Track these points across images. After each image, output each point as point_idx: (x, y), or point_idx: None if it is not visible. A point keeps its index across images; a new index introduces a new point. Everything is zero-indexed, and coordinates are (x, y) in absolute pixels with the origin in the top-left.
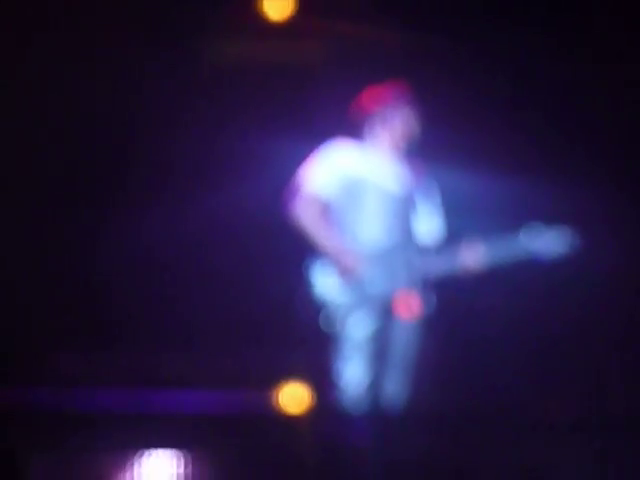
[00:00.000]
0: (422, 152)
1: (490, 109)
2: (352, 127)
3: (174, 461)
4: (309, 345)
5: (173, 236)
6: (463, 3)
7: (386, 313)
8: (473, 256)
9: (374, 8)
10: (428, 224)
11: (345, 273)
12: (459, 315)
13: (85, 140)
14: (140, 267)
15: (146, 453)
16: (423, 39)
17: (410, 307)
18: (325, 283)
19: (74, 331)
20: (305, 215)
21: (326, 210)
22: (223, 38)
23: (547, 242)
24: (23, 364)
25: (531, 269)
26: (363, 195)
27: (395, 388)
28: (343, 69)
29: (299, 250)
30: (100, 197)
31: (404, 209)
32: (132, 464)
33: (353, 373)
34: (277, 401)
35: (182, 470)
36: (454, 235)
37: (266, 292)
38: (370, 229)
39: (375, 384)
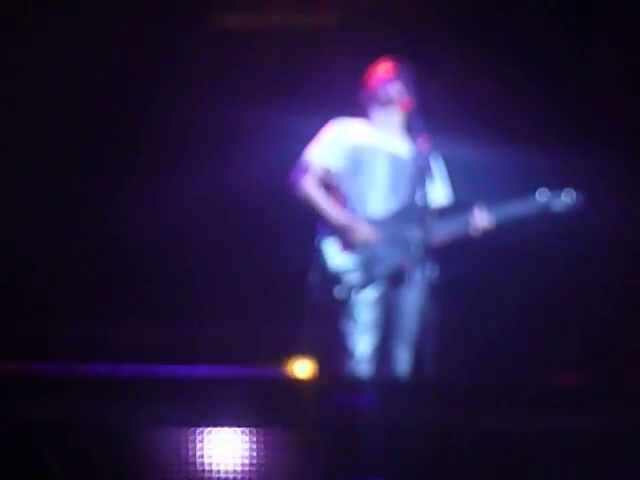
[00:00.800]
0: (427, 123)
1: (492, 80)
2: (359, 102)
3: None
4: (318, 315)
5: (181, 210)
6: None
7: (394, 281)
8: (479, 218)
9: None
10: (435, 190)
11: (351, 242)
12: (464, 285)
13: (95, 114)
14: (148, 241)
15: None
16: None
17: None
18: (333, 253)
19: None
20: (307, 186)
21: (330, 180)
22: (230, 6)
23: (552, 203)
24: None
25: (532, 234)
26: (368, 163)
27: (402, 356)
28: (353, 39)
29: (307, 223)
30: (107, 169)
31: (410, 176)
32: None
33: (361, 341)
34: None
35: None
36: (460, 202)
37: (275, 265)
38: (377, 196)
39: (382, 351)
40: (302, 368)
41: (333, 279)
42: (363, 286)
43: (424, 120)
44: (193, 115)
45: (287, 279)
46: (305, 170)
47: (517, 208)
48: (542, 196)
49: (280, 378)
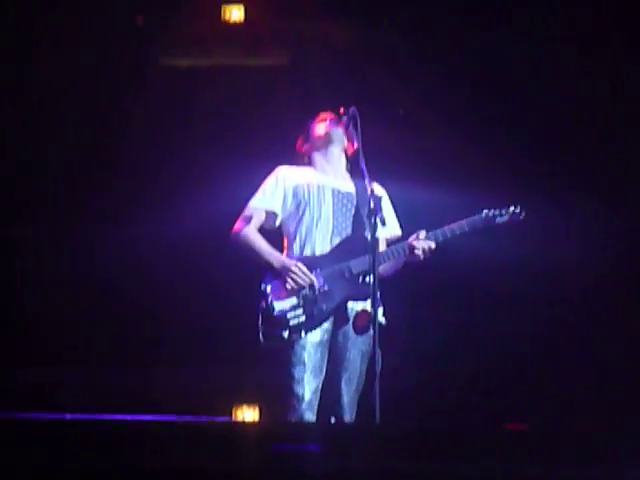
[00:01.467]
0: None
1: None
2: (305, 144)
3: None
4: (264, 360)
5: (126, 255)
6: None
7: (340, 321)
8: (418, 241)
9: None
10: (384, 225)
11: (292, 284)
12: (413, 328)
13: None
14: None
15: None
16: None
17: (362, 318)
18: (276, 297)
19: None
20: (247, 232)
21: (275, 224)
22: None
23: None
24: None
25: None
26: (312, 202)
27: (348, 401)
28: (303, 80)
29: (253, 269)
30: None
31: (355, 212)
32: None
33: (306, 385)
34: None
35: None
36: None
37: (221, 311)
38: (323, 234)
39: (328, 396)
40: (246, 414)
41: (277, 322)
42: (308, 326)
43: (367, 160)
44: (145, 156)
45: (233, 325)
46: (248, 217)
47: (461, 226)
48: (486, 213)
49: (223, 424)
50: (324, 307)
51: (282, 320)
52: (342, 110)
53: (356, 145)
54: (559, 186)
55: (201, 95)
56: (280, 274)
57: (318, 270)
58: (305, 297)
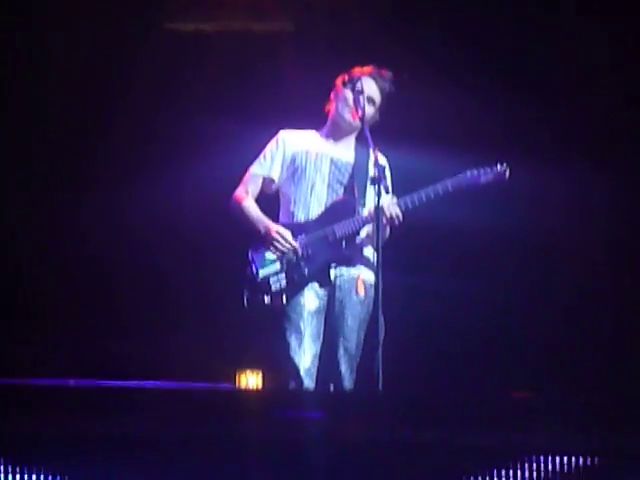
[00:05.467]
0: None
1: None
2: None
3: None
4: (258, 329)
5: (126, 219)
6: None
7: (334, 290)
8: (387, 208)
9: None
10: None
11: (277, 249)
12: (413, 295)
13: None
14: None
15: None
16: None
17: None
18: (261, 262)
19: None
20: (240, 198)
21: (272, 189)
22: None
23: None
24: None
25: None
26: (309, 169)
27: (346, 369)
28: (308, 44)
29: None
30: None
31: (352, 180)
32: None
33: (305, 353)
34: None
35: None
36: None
37: (216, 278)
38: (317, 200)
39: (327, 364)
40: (247, 381)
41: (259, 288)
42: (290, 291)
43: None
44: (146, 122)
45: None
46: (246, 183)
47: (444, 186)
48: (470, 172)
49: (225, 392)
50: (306, 271)
51: (264, 286)
52: (346, 77)
53: (360, 113)
54: (551, 151)
55: (206, 60)
56: (265, 240)
57: (303, 235)
58: (288, 262)
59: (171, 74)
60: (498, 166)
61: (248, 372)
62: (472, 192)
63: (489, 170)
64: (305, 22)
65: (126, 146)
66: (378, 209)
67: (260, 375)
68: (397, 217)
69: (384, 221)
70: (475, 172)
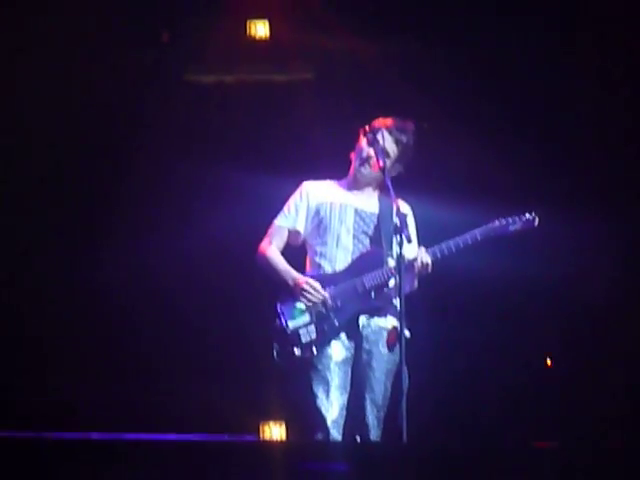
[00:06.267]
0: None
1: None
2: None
3: None
4: (285, 380)
5: (151, 271)
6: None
7: (361, 340)
8: (420, 255)
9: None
10: (405, 245)
11: (307, 301)
12: (439, 346)
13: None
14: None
15: None
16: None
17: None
18: (291, 314)
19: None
20: (268, 250)
21: (299, 241)
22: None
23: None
24: None
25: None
26: (334, 220)
27: (373, 420)
28: (329, 93)
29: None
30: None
31: (377, 231)
32: None
33: (332, 403)
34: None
35: None
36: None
37: (244, 330)
38: (343, 251)
39: (353, 415)
40: (271, 433)
41: (289, 340)
42: (320, 342)
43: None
44: (168, 173)
45: (256, 343)
46: (272, 235)
47: (472, 236)
48: (499, 221)
49: (251, 443)
50: (336, 322)
51: (295, 338)
52: (367, 127)
53: (381, 163)
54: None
55: (226, 111)
56: (294, 292)
57: (332, 287)
58: (318, 314)
59: (193, 124)
60: (527, 215)
61: (272, 423)
62: (501, 240)
63: (517, 219)
64: (325, 71)
65: (152, 195)
66: (399, 258)
67: (284, 426)
68: (427, 267)
69: (415, 270)
70: (504, 221)
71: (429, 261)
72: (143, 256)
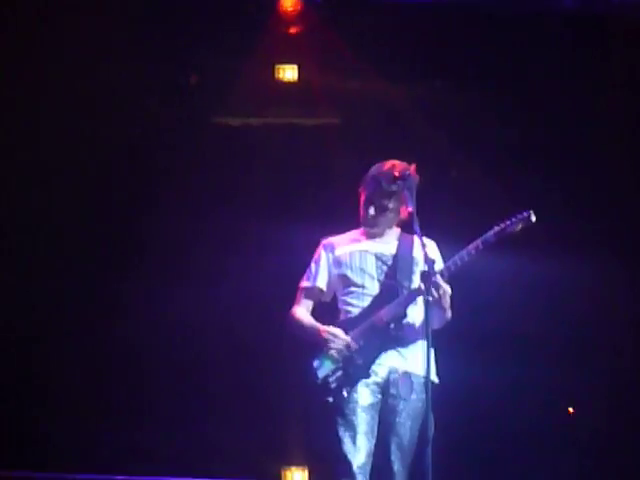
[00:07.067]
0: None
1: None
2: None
3: None
4: (310, 426)
5: (176, 322)
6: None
7: (384, 384)
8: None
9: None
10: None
11: (334, 352)
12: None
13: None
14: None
15: None
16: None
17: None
18: (319, 365)
19: None
20: (295, 313)
21: (326, 297)
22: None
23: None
24: None
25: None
26: (356, 272)
27: (399, 468)
28: (356, 138)
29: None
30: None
31: (400, 275)
32: None
33: (357, 450)
34: None
35: None
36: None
37: (266, 378)
38: (368, 300)
39: (379, 462)
40: (293, 479)
41: (321, 390)
42: (348, 384)
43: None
44: (194, 221)
45: (283, 390)
46: (299, 298)
47: (475, 246)
48: (497, 224)
49: None
50: (360, 362)
51: (326, 387)
52: (397, 174)
53: (410, 209)
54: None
55: (254, 154)
56: (319, 343)
57: (355, 329)
58: (344, 358)
59: (220, 167)
60: (524, 212)
61: (294, 469)
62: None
63: (514, 219)
64: (353, 116)
65: (179, 241)
66: (427, 307)
67: (307, 472)
68: (437, 287)
69: (434, 297)
70: (502, 224)
71: (449, 290)
72: (172, 303)
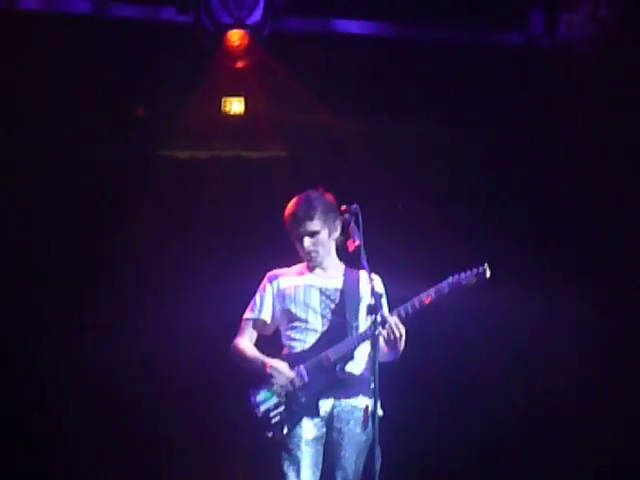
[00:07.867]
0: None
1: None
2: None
3: None
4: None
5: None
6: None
7: (328, 418)
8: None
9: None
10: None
11: (275, 384)
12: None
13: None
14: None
15: None
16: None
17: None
18: (267, 399)
19: None
20: (238, 344)
21: (269, 330)
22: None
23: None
24: None
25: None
26: (300, 305)
27: None
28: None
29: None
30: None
31: (344, 307)
32: None
33: None
34: None
35: None
36: None
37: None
38: (312, 332)
39: None
40: None
41: (261, 424)
42: (289, 421)
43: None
44: (141, 253)
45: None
46: (242, 330)
47: (428, 294)
48: (451, 275)
49: None
50: (303, 400)
51: (265, 421)
52: (344, 207)
53: (357, 242)
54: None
55: (201, 186)
56: (263, 376)
57: (300, 365)
58: (287, 394)
59: (166, 200)
60: (479, 267)
61: None
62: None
63: (469, 273)
64: (299, 149)
65: (124, 273)
66: (376, 340)
67: None
68: (391, 329)
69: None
70: (457, 276)
71: (403, 332)
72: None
